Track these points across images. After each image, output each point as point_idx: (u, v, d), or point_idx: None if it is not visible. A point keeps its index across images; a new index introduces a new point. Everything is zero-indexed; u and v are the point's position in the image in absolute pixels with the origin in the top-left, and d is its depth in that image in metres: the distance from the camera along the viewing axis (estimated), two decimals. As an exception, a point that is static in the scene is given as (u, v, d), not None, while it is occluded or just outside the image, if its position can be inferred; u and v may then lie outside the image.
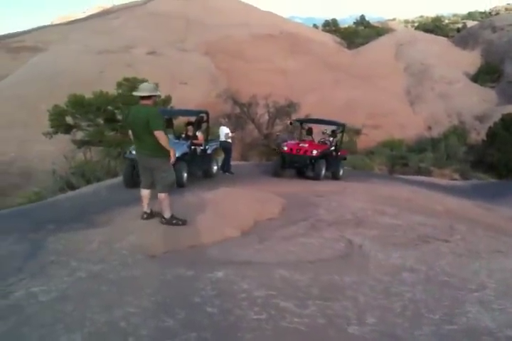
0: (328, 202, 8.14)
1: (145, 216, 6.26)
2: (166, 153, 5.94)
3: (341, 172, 14.49)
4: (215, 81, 40.39)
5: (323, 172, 12.88)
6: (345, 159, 15.48)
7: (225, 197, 7.72)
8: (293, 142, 14.21)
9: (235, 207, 7.07)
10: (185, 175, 10.07)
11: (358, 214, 7.18)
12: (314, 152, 12.96)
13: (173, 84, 32.56)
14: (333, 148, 14.12)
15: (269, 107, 28.94)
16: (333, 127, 15.21)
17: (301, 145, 13.45)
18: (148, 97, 6.01)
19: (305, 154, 12.99)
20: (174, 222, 6.09)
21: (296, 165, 13.29)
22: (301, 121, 16.04)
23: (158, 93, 6.11)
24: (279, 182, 11.75)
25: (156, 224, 6.08)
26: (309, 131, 14.56)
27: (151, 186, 6.24)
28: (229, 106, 29.15)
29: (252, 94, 29.34)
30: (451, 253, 5.41)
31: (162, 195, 6.06)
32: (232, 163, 16.04)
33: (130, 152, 10.29)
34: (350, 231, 6.02)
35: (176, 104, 21.94)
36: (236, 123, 26.84)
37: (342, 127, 14.80)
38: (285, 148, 13.31)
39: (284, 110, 29.15)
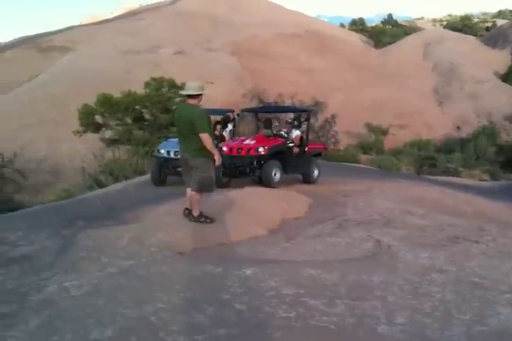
0: (355, 202, 8.10)
1: (187, 212, 6.27)
2: (208, 155, 5.94)
3: (316, 174, 11.21)
4: (241, 80, 40.51)
5: (277, 175, 9.78)
6: (319, 155, 12.09)
7: (252, 196, 7.76)
8: (237, 139, 10.99)
9: (261, 206, 7.10)
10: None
11: (385, 214, 7.13)
12: (261, 149, 9.74)
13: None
14: (290, 142, 10.76)
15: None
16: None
17: (246, 142, 10.30)
18: (195, 96, 6.02)
19: (248, 154, 9.82)
20: (202, 219, 6.14)
21: (241, 170, 10.01)
22: (253, 111, 12.75)
23: (204, 92, 6.11)
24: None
25: (184, 221, 6.14)
26: (267, 123, 11.41)
27: None
28: (255, 106, 29.20)
29: (277, 93, 29.34)
30: (482, 255, 5.33)
31: (194, 194, 6.12)
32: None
33: (158, 150, 10.42)
34: (378, 231, 5.98)
35: (203, 103, 22.02)
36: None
37: (307, 114, 11.94)
38: (224, 149, 9.89)
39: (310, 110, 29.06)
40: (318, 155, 11.93)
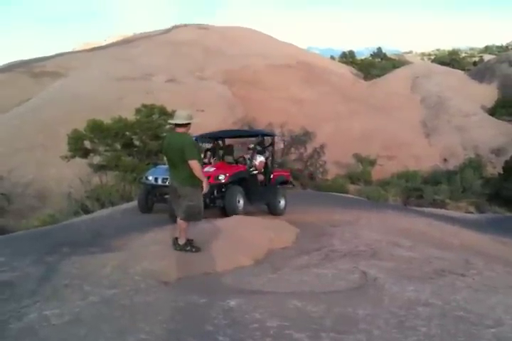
0: (342, 232, 8.10)
1: (177, 246, 6.16)
2: (197, 183, 5.97)
3: (282, 205, 10.45)
4: (232, 108, 40.88)
5: (241, 203, 9.14)
6: (286, 183, 11.46)
7: (239, 225, 7.73)
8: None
9: (248, 235, 7.07)
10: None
11: (372, 245, 7.13)
12: (221, 177, 9.09)
13: (192, 111, 32.94)
14: (254, 169, 10.05)
15: (284, 136, 29.10)
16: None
17: (204, 170, 8.78)
18: (184, 125, 6.09)
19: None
20: (188, 248, 6.11)
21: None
22: (211, 137, 11.47)
23: (193, 121, 6.19)
24: (293, 210, 11.73)
25: (169, 250, 6.09)
26: (228, 149, 10.77)
27: None
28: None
29: (268, 122, 29.58)
30: (468, 288, 5.32)
31: (182, 222, 6.10)
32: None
33: (146, 177, 10.30)
34: (365, 263, 5.97)
35: (194, 130, 22.17)
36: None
37: (271, 138, 11.22)
38: None
39: (299, 139, 29.32)
40: (284, 183, 11.26)
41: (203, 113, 31.24)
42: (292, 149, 29.42)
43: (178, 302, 4.38)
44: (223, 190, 9.15)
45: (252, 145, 10.62)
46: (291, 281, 5.30)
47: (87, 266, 5.44)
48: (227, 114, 37.87)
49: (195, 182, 5.95)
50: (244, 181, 9.46)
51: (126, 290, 4.69)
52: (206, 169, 9.07)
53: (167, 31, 67.90)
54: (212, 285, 5.21)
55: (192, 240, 6.24)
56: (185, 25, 71.72)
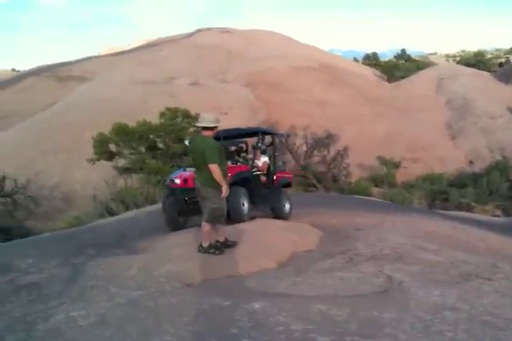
0: (366, 236, 8.02)
1: (200, 249, 6.23)
2: (218, 186, 6.02)
3: (288, 208, 9.78)
4: (254, 111, 40.97)
5: (245, 207, 8.27)
6: (288, 186, 10.72)
7: (262, 228, 7.73)
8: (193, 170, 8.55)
9: (271, 238, 7.07)
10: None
11: (397, 249, 7.04)
12: None
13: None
14: (256, 170, 9.24)
15: (307, 138, 29.04)
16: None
17: None
18: (211, 128, 6.15)
19: None
20: (211, 251, 6.14)
21: (198, 207, 7.60)
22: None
23: (219, 124, 6.26)
24: (316, 213, 11.68)
25: (193, 252, 6.12)
26: (229, 153, 9.39)
27: None
28: (268, 137, 29.39)
29: (290, 124, 29.56)
30: (495, 292, 5.22)
31: (206, 225, 6.16)
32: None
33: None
34: (389, 267, 5.90)
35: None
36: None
37: (271, 137, 10.48)
38: (177, 181, 8.35)
39: (322, 141, 29.21)
40: (287, 185, 10.62)
41: (226, 116, 31.36)
42: (315, 152, 29.30)
43: (202, 304, 4.40)
44: None
45: (259, 144, 9.68)
46: (315, 285, 5.28)
47: (113, 268, 5.51)
48: (249, 117, 37.97)
49: (216, 184, 6.01)
50: (247, 182, 8.63)
51: (151, 291, 4.73)
52: None
53: (190, 35, 68.53)
54: (236, 287, 5.21)
55: (226, 240, 6.36)
56: (209, 29, 72.37)
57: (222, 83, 47.33)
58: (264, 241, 6.83)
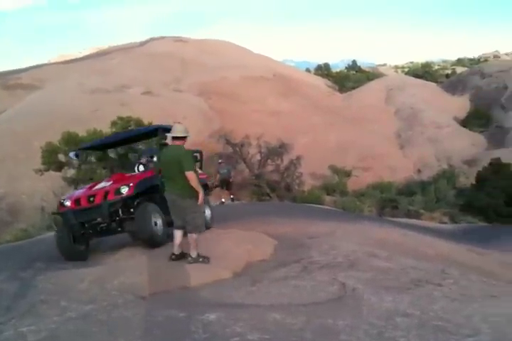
0: (319, 244, 8.11)
1: (173, 257, 6.30)
2: (196, 194, 6.12)
3: (208, 215, 8.57)
4: (208, 121, 40.91)
5: (158, 226, 7.14)
6: (206, 188, 8.70)
7: (217, 238, 7.69)
8: (85, 187, 8.16)
9: (227, 248, 7.05)
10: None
11: (350, 256, 7.16)
12: (124, 190, 7.05)
13: (166, 124, 32.90)
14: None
15: (261, 147, 29.25)
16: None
17: (98, 186, 7.54)
18: (182, 138, 6.27)
19: (106, 200, 7.05)
20: (201, 260, 6.23)
21: (101, 226, 7.10)
22: (93, 148, 9.74)
23: (189, 134, 6.38)
24: (270, 222, 11.74)
25: (146, 264, 6.03)
26: (123, 159, 8.64)
27: (184, 226, 6.33)
28: (221, 146, 29.41)
29: (244, 134, 29.70)
30: (445, 298, 5.38)
31: (193, 236, 6.21)
32: (234, 198, 16.04)
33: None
34: (343, 274, 5.99)
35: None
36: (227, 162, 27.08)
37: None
38: (67, 204, 7.23)
39: (275, 151, 29.47)
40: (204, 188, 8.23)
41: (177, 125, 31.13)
42: (269, 161, 29.53)
43: (156, 316, 4.33)
44: (131, 207, 7.12)
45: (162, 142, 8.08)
46: (270, 294, 5.29)
47: (63, 281, 5.35)
48: (203, 127, 37.87)
49: (194, 193, 6.12)
50: (155, 191, 7.39)
51: (104, 305, 4.62)
52: (101, 185, 7.52)
53: (143, 43, 67.90)
54: (191, 299, 5.16)
55: (186, 254, 6.38)
56: (162, 38, 71.89)
57: (176, 92, 47.07)
58: (219, 251, 6.80)
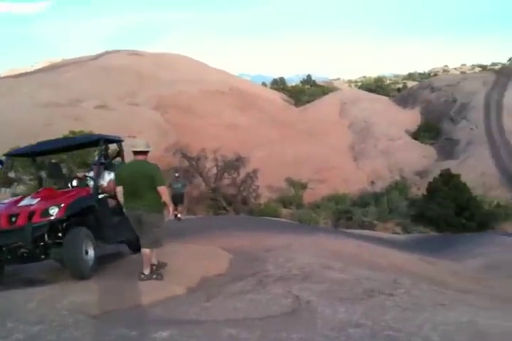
0: (275, 257, 8.13)
1: (143, 277, 6.14)
2: (162, 209, 6.13)
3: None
4: (164, 135, 40.67)
5: (90, 255, 6.23)
6: None
7: (171, 253, 7.60)
8: (7, 202, 6.77)
9: (181, 263, 6.99)
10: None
11: (305, 268, 7.21)
12: (53, 211, 6.02)
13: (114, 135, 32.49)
14: (101, 192, 7.03)
15: (217, 161, 29.25)
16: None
17: (23, 203, 6.37)
18: (145, 152, 6.22)
19: (30, 222, 5.97)
20: (155, 276, 6.14)
21: (22, 252, 6.10)
22: (24, 154, 8.72)
23: (151, 148, 6.35)
24: (226, 236, 11.71)
25: (97, 283, 5.90)
26: (54, 169, 8.23)
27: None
28: (177, 160, 29.25)
29: (201, 148, 29.66)
30: (396, 307, 5.47)
31: (147, 251, 6.13)
32: (181, 217, 15.94)
33: None
34: (298, 287, 6.02)
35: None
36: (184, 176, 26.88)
37: (118, 146, 8.14)
38: None
39: (232, 164, 29.52)
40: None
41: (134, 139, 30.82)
42: (225, 174, 29.54)
43: (107, 336, 4.23)
44: (60, 232, 6.20)
45: (97, 158, 7.63)
46: (225, 309, 5.26)
47: (9, 302, 5.16)
48: (159, 140, 37.57)
49: (161, 208, 6.15)
50: (90, 212, 6.56)
51: (53, 325, 4.48)
52: (25, 201, 6.36)
53: (98, 57, 67.08)
54: (144, 316, 5.07)
55: (165, 263, 6.47)
56: (117, 51, 71.23)
57: (132, 106, 46.62)
58: (174, 267, 6.73)
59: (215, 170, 29.29)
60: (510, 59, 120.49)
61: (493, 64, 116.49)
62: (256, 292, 5.88)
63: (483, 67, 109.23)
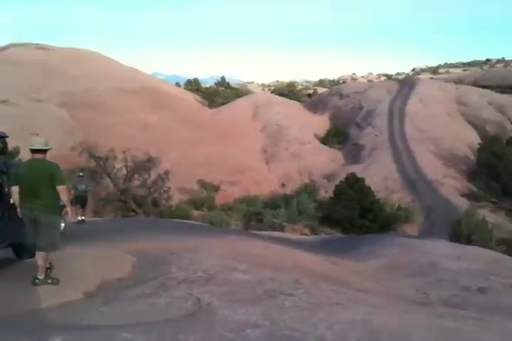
0: (180, 260, 8.07)
1: (37, 281, 5.85)
2: (58, 210, 5.95)
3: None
4: (70, 133, 39.07)
5: None
6: None
7: (71, 257, 7.31)
8: None
9: (79, 267, 6.74)
10: None
11: (209, 271, 7.21)
12: None
13: (23, 135, 30.75)
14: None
15: (127, 161, 28.50)
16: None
17: None
18: (44, 151, 5.97)
19: None
20: (49, 281, 5.89)
21: None
22: None
23: (51, 147, 6.10)
24: (132, 239, 11.46)
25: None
26: None
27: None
28: (84, 160, 28.17)
29: (110, 147, 28.78)
30: (295, 307, 5.62)
31: (43, 254, 5.85)
32: (86, 219, 15.36)
33: None
34: (200, 289, 6.02)
35: (26, 155, 20.69)
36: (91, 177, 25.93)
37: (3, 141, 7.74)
38: None
39: (143, 165, 28.92)
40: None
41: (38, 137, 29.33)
42: (136, 175, 28.88)
43: (-6, 345, 4.00)
44: None
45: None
46: (123, 313, 5.14)
47: None
48: (64, 139, 36.08)
49: (57, 209, 5.96)
50: None
51: None
52: None
53: (1, 49, 62.98)
54: (38, 322, 4.86)
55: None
56: (23, 45, 67.25)
57: (36, 102, 44.29)
58: (71, 271, 6.48)
59: (124, 171, 28.55)
60: (413, 69, 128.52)
61: (398, 74, 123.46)
62: (157, 295, 5.81)
63: (389, 77, 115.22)
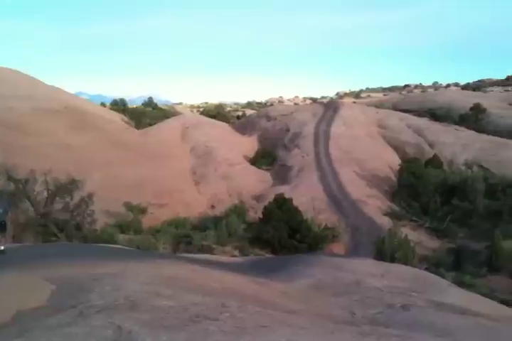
0: (102, 286, 7.78)
1: None
2: None
3: None
4: (-13, 154, 37.01)
5: None
6: None
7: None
8: None
9: (-8, 297, 6.33)
10: None
11: (132, 297, 6.99)
12: None
13: None
14: None
15: (48, 184, 27.35)
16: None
17: None
18: None
19: None
20: None
21: None
22: None
23: None
24: (51, 265, 10.94)
25: None
26: None
27: None
28: (2, 183, 26.75)
29: (30, 169, 27.54)
30: (219, 332, 5.56)
31: None
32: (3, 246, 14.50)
33: None
34: (121, 317, 5.81)
35: None
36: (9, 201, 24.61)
37: None
38: None
39: (65, 187, 27.85)
40: None
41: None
42: (57, 198, 27.74)
43: None
44: None
45: None
46: (38, 345, 4.87)
47: None
48: (-19, 160, 34.11)
49: None
50: None
51: None
52: None
53: None
54: None
55: None
56: None
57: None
58: (-18, 302, 6.08)
59: (45, 194, 27.35)
60: (337, 93, 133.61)
61: (323, 97, 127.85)
62: (75, 324, 5.55)
63: (314, 100, 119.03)
